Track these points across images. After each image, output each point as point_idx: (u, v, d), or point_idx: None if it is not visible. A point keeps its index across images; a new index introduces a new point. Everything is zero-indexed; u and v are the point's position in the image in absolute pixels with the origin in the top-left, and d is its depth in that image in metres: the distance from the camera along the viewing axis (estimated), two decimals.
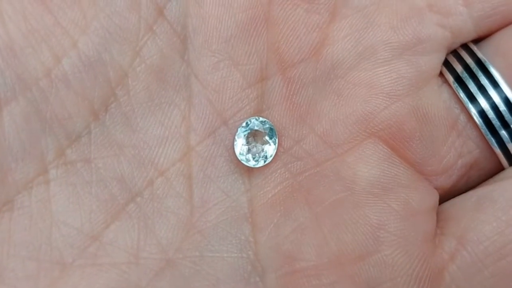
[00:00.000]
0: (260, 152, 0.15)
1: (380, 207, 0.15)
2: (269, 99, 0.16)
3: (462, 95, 0.16)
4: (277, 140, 0.15)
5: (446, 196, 0.16)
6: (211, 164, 0.15)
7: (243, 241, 0.15)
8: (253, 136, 0.15)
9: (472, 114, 0.16)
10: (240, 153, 0.15)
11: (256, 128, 0.15)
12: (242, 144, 0.15)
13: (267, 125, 0.15)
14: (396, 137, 0.16)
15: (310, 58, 0.16)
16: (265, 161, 0.15)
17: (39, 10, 0.15)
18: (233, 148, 0.15)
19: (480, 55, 0.16)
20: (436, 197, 0.16)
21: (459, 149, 0.16)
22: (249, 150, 0.15)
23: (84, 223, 0.15)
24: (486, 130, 0.16)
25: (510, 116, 0.16)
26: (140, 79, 0.15)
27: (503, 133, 0.16)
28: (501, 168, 0.16)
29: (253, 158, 0.15)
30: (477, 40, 0.17)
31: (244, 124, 0.15)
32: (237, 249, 0.15)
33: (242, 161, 0.15)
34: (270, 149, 0.15)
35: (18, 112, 0.14)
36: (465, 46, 0.16)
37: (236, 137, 0.15)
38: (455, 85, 0.16)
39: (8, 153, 0.14)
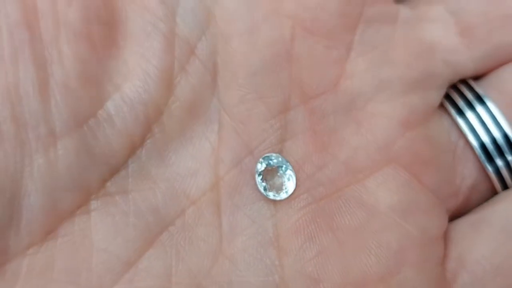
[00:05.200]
0: (280, 187, 0.16)
1: (400, 232, 0.16)
2: (292, 129, 0.16)
3: (463, 126, 0.17)
4: (293, 173, 0.16)
5: (450, 218, 0.17)
6: (238, 193, 0.16)
7: (269, 265, 0.15)
8: (269, 173, 0.16)
9: (472, 144, 0.17)
10: (263, 188, 0.16)
11: (270, 165, 0.16)
12: (262, 181, 0.16)
13: (280, 159, 0.16)
14: (414, 162, 0.16)
15: (330, 90, 0.17)
16: (286, 194, 0.16)
17: (92, 57, 0.15)
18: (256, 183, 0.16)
19: (479, 90, 0.17)
20: (447, 221, 0.17)
21: (462, 172, 0.17)
22: (269, 187, 0.16)
23: (122, 250, 0.15)
24: (484, 158, 0.17)
25: (506, 147, 0.17)
26: (174, 115, 0.16)
27: (498, 161, 0.17)
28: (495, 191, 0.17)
29: (273, 193, 0.16)
30: (476, 77, 0.18)
31: (260, 163, 0.16)
32: (263, 273, 0.15)
33: (267, 195, 0.16)
34: (289, 184, 0.16)
35: (71, 147, 0.15)
36: (464, 82, 0.18)
37: (256, 173, 0.16)
38: (456, 117, 0.17)
39: (59, 184, 0.15)
